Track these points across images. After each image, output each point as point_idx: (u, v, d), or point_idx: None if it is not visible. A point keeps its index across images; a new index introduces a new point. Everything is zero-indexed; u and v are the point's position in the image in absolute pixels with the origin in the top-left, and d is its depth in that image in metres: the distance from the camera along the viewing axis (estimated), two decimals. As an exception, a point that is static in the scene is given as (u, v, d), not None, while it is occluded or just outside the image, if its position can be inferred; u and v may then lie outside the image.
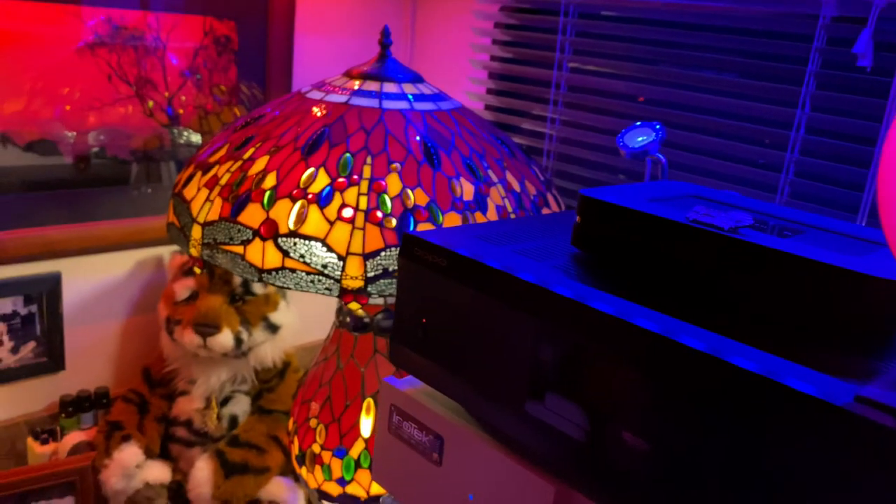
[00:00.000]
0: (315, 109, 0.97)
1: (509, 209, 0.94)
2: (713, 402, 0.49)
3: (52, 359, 1.27)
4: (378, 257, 0.86)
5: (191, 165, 1.00)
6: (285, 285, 0.88)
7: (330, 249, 0.86)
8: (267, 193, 0.89)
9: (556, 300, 0.57)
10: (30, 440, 1.26)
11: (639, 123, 0.86)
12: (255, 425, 1.25)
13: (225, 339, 1.20)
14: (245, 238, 0.88)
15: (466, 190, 0.92)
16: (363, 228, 0.86)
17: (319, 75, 1.48)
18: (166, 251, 1.36)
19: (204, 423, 1.24)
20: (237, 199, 0.90)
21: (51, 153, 1.18)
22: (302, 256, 0.86)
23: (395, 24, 1.57)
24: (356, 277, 0.86)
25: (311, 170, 0.89)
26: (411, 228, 0.87)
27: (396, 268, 0.86)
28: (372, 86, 1.00)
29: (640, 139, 0.81)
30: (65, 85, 1.17)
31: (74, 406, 1.28)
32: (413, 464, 0.71)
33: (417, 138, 0.94)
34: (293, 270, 0.87)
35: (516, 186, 0.98)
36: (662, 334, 0.51)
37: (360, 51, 1.54)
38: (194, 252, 0.93)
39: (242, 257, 0.89)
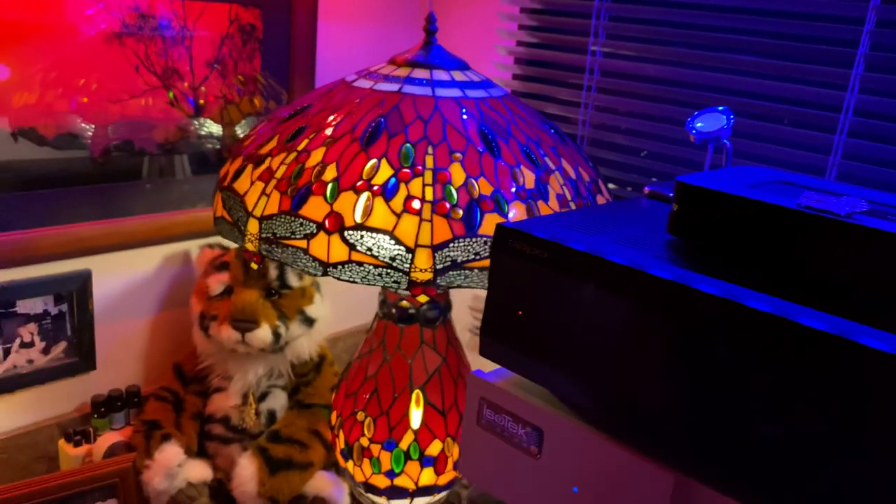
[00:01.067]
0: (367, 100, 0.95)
1: (568, 197, 0.94)
2: (841, 384, 0.49)
3: (82, 358, 1.23)
4: (447, 249, 0.84)
5: (238, 158, 0.98)
6: (352, 279, 0.86)
7: (398, 242, 0.84)
8: (329, 186, 0.87)
9: (669, 287, 0.56)
10: (62, 442, 1.23)
11: (707, 109, 0.85)
12: (296, 420, 1.23)
13: (263, 333, 1.18)
14: (308, 232, 0.86)
15: (528, 178, 0.91)
16: (430, 220, 0.85)
17: (342, 62, 1.46)
18: (194, 246, 1.33)
19: (242, 420, 1.22)
20: (297, 191, 0.88)
21: (73, 147, 1.14)
22: (369, 249, 0.85)
23: (413, 9, 1.55)
24: (425, 270, 0.84)
25: (374, 161, 0.87)
26: (478, 219, 0.86)
27: (467, 259, 0.85)
28: (422, 73, 0.98)
29: (712, 124, 0.81)
30: (92, 76, 1.13)
31: (107, 406, 1.25)
32: (506, 457, 0.71)
33: (475, 127, 0.92)
34: (360, 264, 0.85)
35: (572, 174, 0.97)
36: (781, 316, 0.51)
37: (382, 37, 1.51)
38: (251, 247, 0.91)
39: (305, 251, 0.87)
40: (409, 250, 0.84)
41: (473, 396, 0.73)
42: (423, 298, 0.85)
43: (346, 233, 0.85)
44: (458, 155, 0.89)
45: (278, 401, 1.26)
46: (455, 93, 0.96)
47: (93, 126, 1.16)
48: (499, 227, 0.68)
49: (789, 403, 0.52)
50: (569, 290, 0.63)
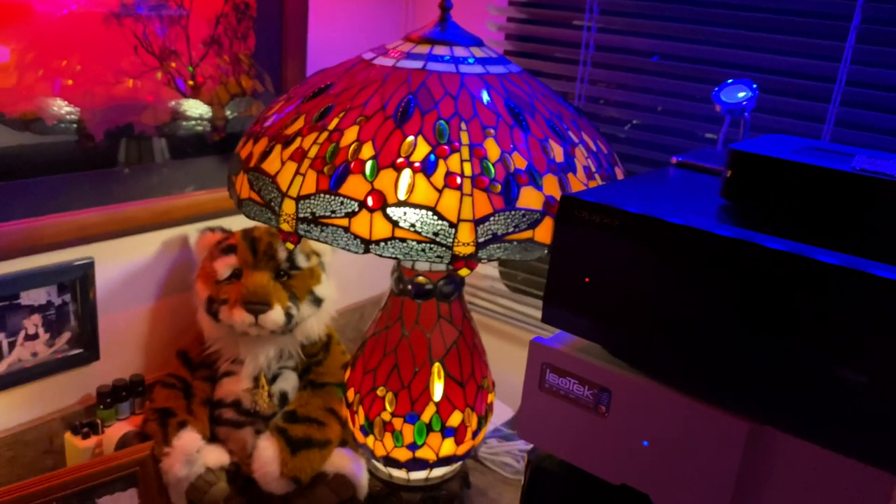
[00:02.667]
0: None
1: (593, 168, 0.97)
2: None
3: (86, 349, 1.20)
4: (488, 222, 0.87)
5: (262, 138, 0.97)
6: (394, 255, 0.87)
7: (441, 217, 0.86)
8: (368, 164, 0.87)
9: (740, 247, 0.60)
10: (68, 435, 1.20)
11: (730, 81, 0.89)
12: (311, 399, 1.24)
13: (276, 315, 1.17)
14: (350, 210, 0.87)
15: (556, 151, 0.93)
16: (471, 194, 0.87)
17: (331, 41, 1.45)
18: (192, 230, 1.31)
19: (254, 403, 1.22)
20: (334, 170, 0.88)
21: (68, 133, 1.11)
22: (412, 226, 0.86)
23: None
24: (468, 244, 0.86)
25: (411, 138, 0.88)
26: (515, 193, 0.88)
27: (507, 231, 0.87)
28: (442, 50, 0.99)
29: (740, 95, 0.85)
30: (92, 58, 1.10)
31: (112, 396, 1.23)
32: (571, 418, 0.74)
33: (502, 102, 0.94)
34: (403, 240, 0.87)
35: (592, 146, 1.00)
36: (851, 267, 0.55)
37: (369, 17, 1.51)
38: (286, 227, 0.91)
39: (346, 230, 0.88)
40: (451, 225, 0.86)
41: (535, 362, 0.76)
42: (464, 272, 0.87)
43: (388, 210, 0.86)
44: (491, 130, 0.90)
45: (289, 382, 1.27)
46: (478, 69, 0.98)
47: (89, 110, 1.13)
48: (565, 197, 0.70)
49: (861, 349, 0.57)
50: (639, 255, 0.66)
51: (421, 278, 1.12)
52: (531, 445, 0.86)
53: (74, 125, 1.11)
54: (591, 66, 1.34)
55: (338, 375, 1.29)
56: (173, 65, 1.20)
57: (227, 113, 1.32)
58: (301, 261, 1.23)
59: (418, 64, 0.97)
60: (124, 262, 1.24)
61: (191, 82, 1.24)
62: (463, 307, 1.18)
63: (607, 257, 0.68)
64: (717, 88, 0.88)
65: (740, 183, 0.69)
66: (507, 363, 1.56)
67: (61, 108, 1.11)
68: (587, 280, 0.69)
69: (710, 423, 0.65)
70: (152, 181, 1.23)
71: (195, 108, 1.27)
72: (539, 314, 1.58)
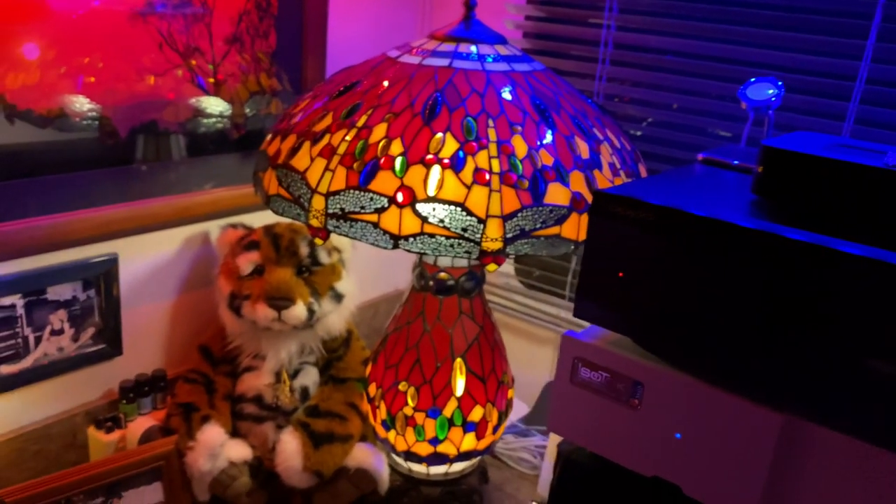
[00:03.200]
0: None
1: (618, 165, 0.98)
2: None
3: (109, 344, 1.21)
4: (516, 218, 0.87)
5: (290, 135, 0.98)
6: (422, 251, 0.88)
7: (470, 213, 0.87)
8: (398, 160, 0.88)
9: (774, 241, 0.61)
10: (91, 429, 1.21)
11: (753, 80, 0.90)
12: (332, 394, 1.25)
13: (299, 311, 1.18)
14: (380, 206, 0.88)
15: (582, 148, 0.94)
16: (500, 191, 0.88)
17: (352, 40, 1.46)
18: (213, 226, 1.32)
19: (276, 398, 1.23)
20: (364, 167, 0.89)
21: (91, 130, 1.11)
22: (441, 221, 0.87)
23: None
24: (496, 239, 0.87)
25: (439, 135, 0.89)
26: (543, 189, 0.89)
27: (534, 227, 0.88)
28: (468, 48, 1.00)
29: (769, 92, 0.86)
30: (114, 55, 1.10)
31: (135, 391, 1.24)
32: (603, 411, 0.75)
33: (528, 99, 0.95)
34: (432, 235, 0.87)
35: (616, 143, 1.01)
36: (881, 259, 0.56)
37: (384, 16, 1.52)
38: (315, 223, 0.92)
39: (376, 225, 0.89)
40: (480, 221, 0.87)
41: (567, 356, 0.77)
42: (491, 267, 0.88)
43: (418, 205, 0.87)
44: (519, 127, 0.91)
45: (310, 377, 1.28)
46: (503, 66, 0.99)
47: (112, 107, 1.14)
48: (599, 193, 0.71)
49: (894, 341, 0.58)
50: (672, 250, 0.67)
51: (443, 274, 1.13)
52: (548, 440, 0.87)
53: (97, 122, 1.12)
54: (609, 65, 1.35)
55: (358, 370, 1.30)
56: (194, 62, 1.21)
57: (247, 111, 1.33)
58: (323, 257, 1.24)
59: (444, 62, 0.98)
60: (147, 258, 1.25)
61: (211, 80, 1.25)
62: (484, 303, 1.18)
63: (641, 252, 0.69)
64: (742, 86, 0.89)
65: (772, 179, 0.70)
66: (522, 360, 1.58)
67: (83, 105, 1.12)
68: (621, 275, 0.70)
69: (743, 415, 0.66)
70: (174, 178, 1.24)
71: (215, 106, 1.28)
72: (553, 311, 1.59)
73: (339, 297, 1.26)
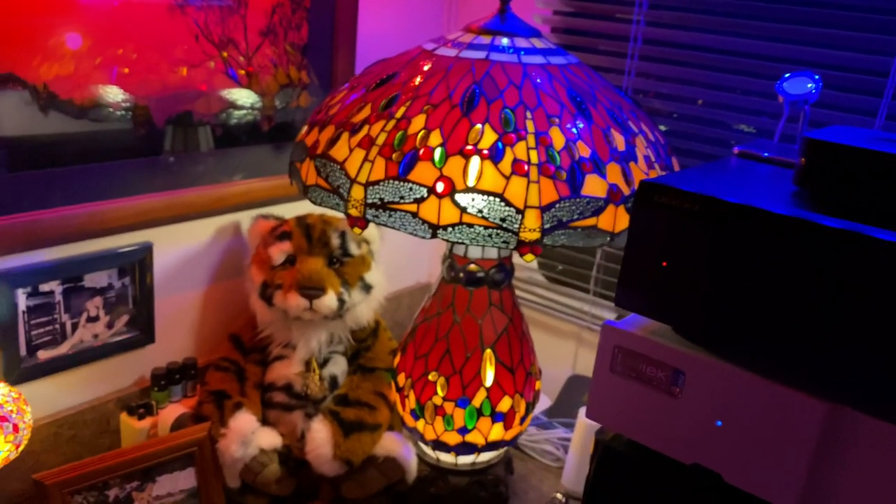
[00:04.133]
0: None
1: (652, 158, 0.99)
2: None
3: (142, 332, 1.23)
4: (554, 209, 0.88)
5: (329, 126, 0.99)
6: (460, 240, 0.89)
7: (508, 203, 0.88)
8: (438, 151, 0.89)
9: (817, 230, 0.62)
10: (124, 416, 1.23)
11: (787, 75, 0.91)
12: (361, 383, 1.26)
13: (330, 300, 1.20)
14: (419, 196, 0.89)
15: (618, 141, 0.95)
16: (538, 182, 0.89)
17: (381, 33, 1.47)
18: (245, 217, 1.33)
19: (305, 386, 1.24)
20: (403, 157, 0.90)
21: (121, 120, 1.13)
22: (480, 211, 0.88)
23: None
24: (534, 230, 0.88)
25: (478, 126, 0.90)
26: (580, 180, 0.90)
27: (571, 218, 0.89)
28: (504, 41, 1.01)
29: (801, 87, 0.87)
30: (149, 46, 1.12)
31: (166, 379, 1.25)
32: (643, 399, 0.76)
33: (565, 92, 0.96)
34: (470, 225, 0.89)
35: (651, 136, 1.02)
36: None
37: (413, 9, 1.53)
38: (354, 212, 0.93)
39: (414, 215, 0.90)
40: (518, 211, 0.88)
41: (607, 345, 0.78)
42: (528, 258, 0.89)
43: (457, 196, 0.88)
44: (556, 119, 0.92)
45: (339, 366, 1.29)
46: (539, 59, 1.00)
47: (146, 98, 1.15)
48: (645, 182, 0.72)
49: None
50: (717, 239, 0.68)
51: (473, 266, 1.14)
52: (571, 433, 0.88)
53: (131, 112, 1.13)
54: (638, 60, 1.35)
55: (386, 361, 1.31)
56: (225, 54, 1.22)
57: (277, 103, 1.34)
58: (353, 248, 1.25)
59: (481, 54, 0.99)
60: (180, 248, 1.27)
61: (241, 71, 1.26)
62: (513, 295, 1.20)
63: (685, 241, 0.70)
64: (779, 80, 0.90)
65: (814, 170, 0.71)
66: (544, 353, 1.58)
67: (118, 95, 1.13)
68: (664, 264, 0.71)
69: (787, 403, 0.67)
70: (206, 168, 1.25)
71: (247, 98, 1.29)
72: (577, 304, 1.60)
73: (368, 288, 1.28)
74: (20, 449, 0.98)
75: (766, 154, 0.89)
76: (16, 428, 0.96)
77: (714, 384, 0.71)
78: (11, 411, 0.96)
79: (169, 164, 1.20)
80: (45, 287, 1.09)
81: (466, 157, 0.89)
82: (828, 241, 0.62)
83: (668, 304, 0.72)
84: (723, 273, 0.68)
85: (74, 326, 1.14)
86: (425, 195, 0.89)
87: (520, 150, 0.89)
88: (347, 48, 1.38)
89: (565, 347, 1.64)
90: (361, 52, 1.42)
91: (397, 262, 1.70)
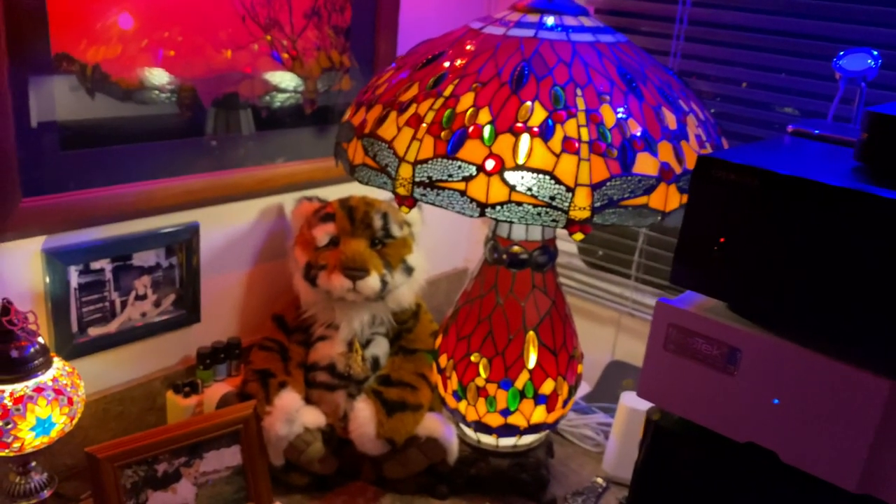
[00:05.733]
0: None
1: (704, 138, 0.97)
2: None
3: (189, 311, 1.25)
4: (604, 187, 0.88)
5: (377, 105, 0.99)
6: (509, 219, 0.89)
7: (558, 181, 0.87)
8: (487, 129, 0.89)
9: (882, 204, 0.61)
10: (170, 394, 1.25)
11: (841, 53, 0.89)
12: (403, 364, 1.27)
13: (373, 281, 1.20)
14: (467, 174, 0.89)
15: (669, 119, 0.94)
16: (588, 159, 0.88)
17: (421, 16, 1.46)
18: (288, 199, 1.34)
19: (348, 367, 1.25)
20: (451, 135, 0.90)
21: (167, 102, 1.14)
22: (529, 189, 0.88)
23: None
24: (584, 208, 0.88)
25: (528, 103, 0.90)
26: (631, 158, 0.89)
27: (622, 197, 0.88)
28: (552, 19, 1.00)
29: (859, 64, 0.85)
30: (195, 28, 1.13)
31: (211, 357, 1.27)
32: (697, 378, 0.75)
33: (615, 69, 0.95)
34: (519, 204, 0.88)
35: (701, 116, 1.00)
36: None
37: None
38: (402, 191, 0.94)
39: (462, 193, 0.90)
40: (569, 189, 0.87)
41: (661, 323, 0.77)
42: (578, 236, 0.88)
43: (506, 174, 0.88)
44: (607, 97, 0.91)
45: (381, 347, 1.30)
46: (588, 37, 0.99)
47: (191, 79, 1.16)
48: (703, 158, 0.71)
49: None
50: (777, 214, 0.67)
51: (516, 248, 1.14)
52: (612, 418, 0.87)
53: (176, 95, 1.14)
54: (684, 41, 1.33)
55: (427, 342, 1.32)
56: (269, 37, 1.22)
57: (319, 86, 1.35)
58: (395, 230, 1.26)
59: (529, 32, 0.98)
60: (225, 228, 1.28)
61: (285, 55, 1.26)
62: (556, 278, 1.19)
63: (743, 217, 0.69)
64: (837, 56, 0.88)
65: (877, 145, 0.70)
66: (583, 339, 1.57)
67: (163, 78, 1.14)
68: (722, 240, 0.70)
69: (848, 381, 0.66)
70: (252, 150, 1.26)
71: (290, 81, 1.30)
72: (617, 290, 1.59)
73: (409, 270, 1.28)
74: (74, 422, 1.00)
75: (816, 132, 0.88)
76: (70, 401, 0.98)
77: (772, 362, 0.70)
78: (66, 385, 0.98)
79: (213, 145, 1.21)
80: (95, 265, 1.11)
81: (516, 134, 0.88)
82: (891, 215, 0.61)
83: (725, 280, 0.71)
84: (782, 249, 0.67)
85: (123, 304, 1.16)
86: (474, 173, 0.89)
87: (570, 127, 0.89)
88: (390, 31, 1.38)
89: (605, 333, 1.63)
90: (403, 34, 1.42)
91: (434, 248, 1.70)
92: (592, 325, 1.63)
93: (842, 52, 0.92)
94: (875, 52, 0.86)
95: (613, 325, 1.61)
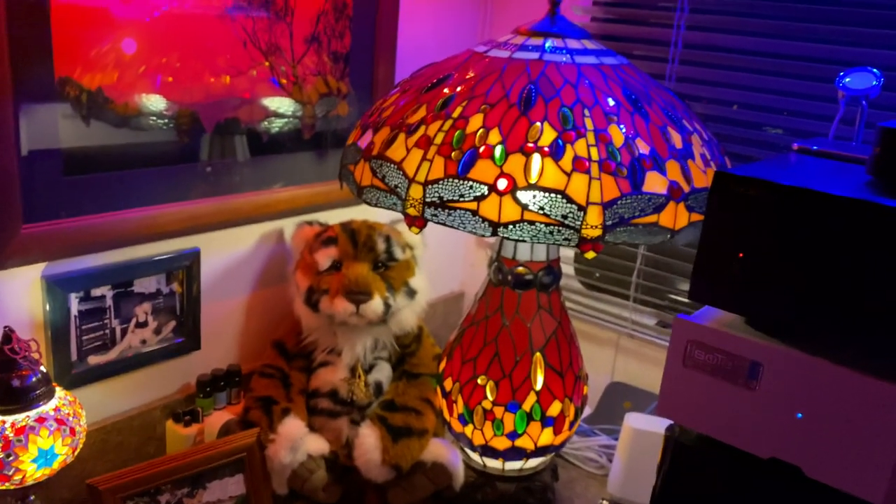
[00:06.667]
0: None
1: (708, 157, 0.99)
2: None
3: (188, 338, 1.23)
4: (615, 206, 0.88)
5: (384, 128, 0.99)
6: (521, 238, 0.89)
7: (570, 200, 0.88)
8: (498, 149, 0.89)
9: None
10: (170, 423, 1.22)
11: (842, 73, 0.91)
12: (407, 389, 1.25)
13: (377, 304, 1.19)
14: (479, 194, 0.89)
15: (675, 138, 0.95)
16: (599, 178, 0.88)
17: (418, 43, 1.48)
18: (288, 223, 1.33)
19: (351, 392, 1.24)
20: (462, 156, 0.91)
21: (165, 128, 1.13)
22: (542, 208, 0.88)
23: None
24: (596, 226, 0.88)
25: (538, 124, 0.90)
26: (641, 177, 0.90)
27: (633, 215, 0.89)
28: (556, 42, 1.01)
29: (862, 83, 0.86)
30: (195, 54, 1.13)
31: (211, 385, 1.25)
32: (717, 393, 0.75)
33: (620, 91, 0.96)
34: (532, 223, 0.88)
35: (704, 135, 1.02)
36: None
37: (448, 17, 1.54)
38: (413, 212, 0.93)
39: (475, 213, 0.90)
40: (580, 208, 0.88)
41: (680, 339, 0.77)
42: (590, 255, 0.89)
43: (518, 193, 0.88)
44: (614, 117, 0.92)
45: (384, 372, 1.28)
46: (592, 60, 1.00)
47: (190, 105, 1.15)
48: (720, 174, 0.72)
49: None
50: (795, 228, 0.67)
51: (521, 268, 1.14)
52: (615, 441, 0.87)
53: (174, 121, 1.13)
54: (679, 64, 1.36)
55: (431, 366, 1.31)
56: (267, 63, 1.22)
57: (317, 112, 1.35)
58: (398, 253, 1.25)
59: (534, 55, 0.99)
60: (225, 254, 1.27)
61: (283, 80, 1.26)
62: (560, 298, 1.19)
63: (762, 232, 0.69)
64: (840, 75, 0.90)
65: (889, 159, 0.71)
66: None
67: (161, 104, 1.14)
68: (741, 255, 0.71)
69: (874, 394, 0.66)
70: (252, 175, 1.26)
71: (288, 106, 1.30)
72: (616, 311, 1.59)
73: (412, 293, 1.27)
74: (76, 453, 0.97)
75: (815, 147, 0.89)
76: (72, 431, 0.95)
77: (794, 375, 0.70)
78: (68, 414, 0.95)
79: (213, 170, 1.20)
80: (96, 292, 1.09)
81: (527, 154, 0.89)
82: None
83: (745, 295, 0.71)
84: (801, 262, 0.68)
85: (124, 332, 1.14)
86: (486, 193, 0.89)
87: (580, 147, 0.89)
88: (388, 56, 1.39)
89: (604, 355, 1.63)
90: (401, 61, 1.43)
91: (431, 272, 1.70)
92: (591, 347, 1.63)
93: (842, 73, 0.94)
94: (876, 71, 0.88)
95: (612, 347, 1.62)
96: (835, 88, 0.95)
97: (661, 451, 0.81)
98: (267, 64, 1.21)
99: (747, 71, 1.32)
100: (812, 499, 0.71)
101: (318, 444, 1.19)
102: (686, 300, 1.50)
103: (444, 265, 1.72)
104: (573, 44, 1.02)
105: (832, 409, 0.68)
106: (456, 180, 0.90)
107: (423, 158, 0.93)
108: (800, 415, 0.70)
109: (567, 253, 1.64)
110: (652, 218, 0.90)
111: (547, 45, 1.00)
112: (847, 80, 0.88)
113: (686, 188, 0.92)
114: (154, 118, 1.11)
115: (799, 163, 0.84)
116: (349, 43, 1.32)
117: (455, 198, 0.90)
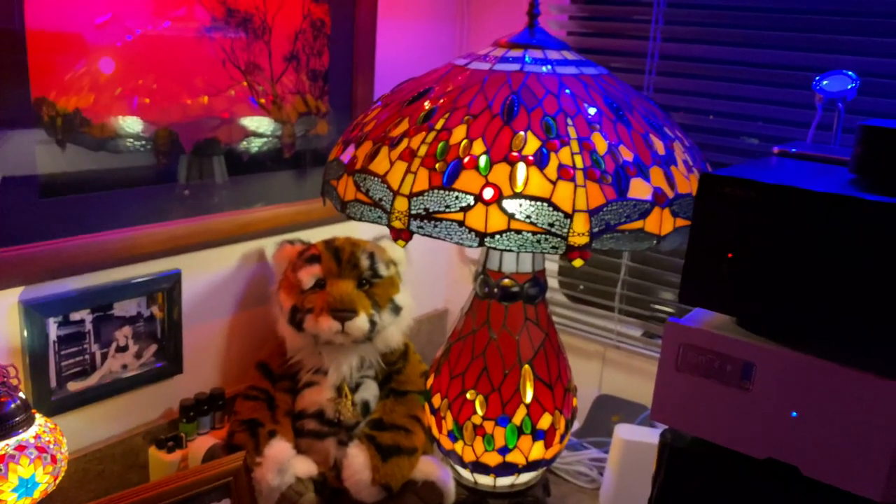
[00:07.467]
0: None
1: (690, 163, 0.99)
2: None
3: (171, 362, 1.20)
4: (601, 212, 0.88)
5: (367, 142, 0.99)
6: (508, 247, 0.89)
7: (556, 208, 0.87)
8: (482, 159, 0.89)
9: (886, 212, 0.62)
10: (153, 450, 1.19)
11: (817, 77, 0.92)
12: (395, 407, 1.24)
13: (362, 322, 1.18)
14: (465, 205, 0.89)
15: (658, 145, 0.96)
16: (584, 186, 0.88)
17: (397, 59, 1.48)
18: (269, 243, 1.32)
19: (338, 412, 1.22)
20: (447, 167, 0.90)
21: (141, 150, 1.11)
22: (528, 217, 0.88)
23: (453, 6, 1.59)
24: (582, 234, 0.88)
25: (521, 133, 0.90)
26: (625, 184, 0.90)
27: (619, 221, 0.89)
28: (536, 53, 1.02)
29: (839, 85, 0.88)
30: (176, 75, 1.12)
31: (195, 410, 1.22)
32: (711, 396, 0.75)
33: (602, 100, 0.97)
34: (519, 232, 0.88)
35: (685, 142, 1.02)
36: None
37: (427, 32, 1.55)
38: (398, 224, 0.93)
39: (461, 224, 0.89)
40: (567, 215, 0.87)
41: (672, 343, 0.77)
42: (577, 263, 0.88)
43: (504, 202, 0.88)
44: (597, 125, 0.93)
45: (370, 391, 1.27)
46: (573, 70, 1.01)
47: (168, 126, 1.14)
48: (706, 175, 0.72)
49: None
50: (784, 227, 0.68)
51: (507, 281, 1.14)
52: (606, 454, 0.86)
53: (153, 142, 1.12)
54: (656, 75, 1.37)
55: (418, 383, 1.29)
56: (245, 83, 1.22)
57: (297, 130, 1.34)
58: (382, 269, 1.24)
59: (515, 66, 0.99)
60: (206, 275, 1.25)
61: (262, 100, 1.26)
62: (547, 310, 1.19)
63: (751, 232, 0.70)
64: (817, 78, 0.91)
65: (871, 156, 0.72)
66: (570, 374, 1.57)
67: (138, 125, 1.12)
68: (730, 256, 0.71)
69: (868, 390, 0.66)
70: (231, 195, 1.24)
71: (267, 126, 1.29)
72: (601, 323, 1.59)
73: (397, 310, 1.26)
74: (57, 481, 0.94)
75: (794, 150, 0.90)
76: (53, 459, 0.93)
77: (787, 375, 0.70)
78: (49, 442, 0.93)
79: (192, 192, 1.19)
80: (75, 316, 1.07)
81: (512, 163, 0.89)
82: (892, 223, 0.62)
83: (735, 296, 0.71)
84: (791, 261, 0.68)
85: (104, 357, 1.12)
86: (472, 203, 0.88)
87: (564, 155, 0.89)
88: (367, 73, 1.39)
89: (590, 367, 1.62)
90: (379, 77, 1.43)
91: (414, 290, 1.69)
92: (578, 360, 1.63)
93: (818, 77, 0.96)
94: (852, 75, 0.90)
95: (598, 359, 1.61)
96: (812, 94, 0.97)
97: (656, 458, 0.80)
98: (245, 83, 1.21)
99: (724, 80, 1.33)
100: (811, 498, 0.70)
101: (305, 466, 1.16)
102: (671, 310, 1.50)
103: (426, 283, 1.72)
104: (553, 55, 1.02)
105: (827, 406, 0.68)
106: (441, 191, 0.90)
107: (408, 171, 0.92)
108: (794, 413, 0.70)
109: (551, 266, 1.64)
110: (638, 224, 0.90)
111: (527, 56, 1.01)
112: (825, 83, 0.89)
113: (670, 194, 0.92)
114: (131, 140, 1.10)
115: (780, 165, 0.85)
116: (328, 61, 1.32)
117: (441, 209, 0.90)
